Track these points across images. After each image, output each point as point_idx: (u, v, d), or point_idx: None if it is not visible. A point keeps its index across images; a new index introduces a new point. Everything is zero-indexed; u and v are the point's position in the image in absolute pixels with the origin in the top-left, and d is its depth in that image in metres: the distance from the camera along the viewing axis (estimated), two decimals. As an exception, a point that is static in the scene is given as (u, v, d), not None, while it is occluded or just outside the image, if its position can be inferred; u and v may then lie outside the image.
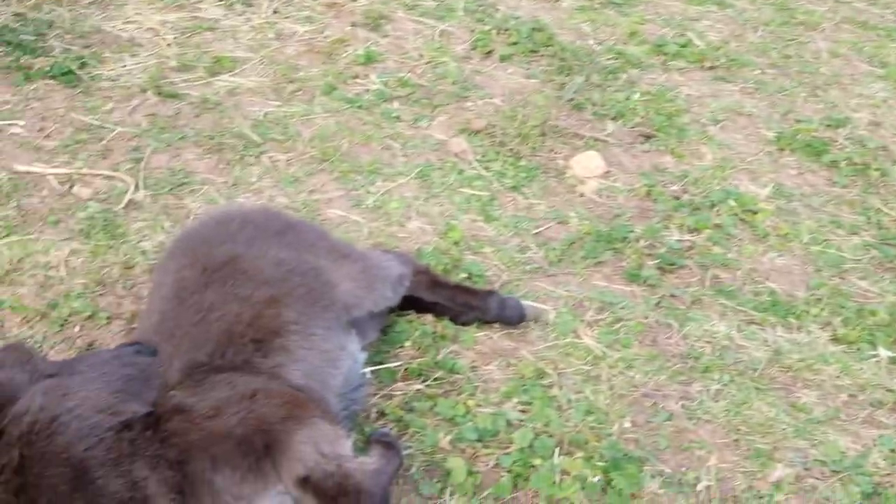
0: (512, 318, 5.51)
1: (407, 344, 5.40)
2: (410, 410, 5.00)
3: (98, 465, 3.68)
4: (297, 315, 4.55)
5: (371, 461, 4.05)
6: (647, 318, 5.80)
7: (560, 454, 4.78)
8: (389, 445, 4.23)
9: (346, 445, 4.01)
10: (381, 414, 4.98)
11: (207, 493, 3.86)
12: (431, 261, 5.89)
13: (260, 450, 3.88)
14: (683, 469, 4.89)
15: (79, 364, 4.22)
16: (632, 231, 6.47)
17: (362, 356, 4.93)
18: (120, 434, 3.79)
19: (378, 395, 5.09)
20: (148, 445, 3.81)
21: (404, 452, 4.43)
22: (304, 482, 3.85)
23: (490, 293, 5.50)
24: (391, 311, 5.42)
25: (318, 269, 4.89)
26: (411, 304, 5.54)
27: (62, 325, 5.30)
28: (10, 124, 6.63)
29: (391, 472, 4.11)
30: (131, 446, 3.78)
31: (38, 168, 6.30)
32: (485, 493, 4.62)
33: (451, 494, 4.60)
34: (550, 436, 4.86)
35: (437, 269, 5.84)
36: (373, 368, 5.20)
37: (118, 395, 4.00)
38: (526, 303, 5.59)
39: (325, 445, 3.89)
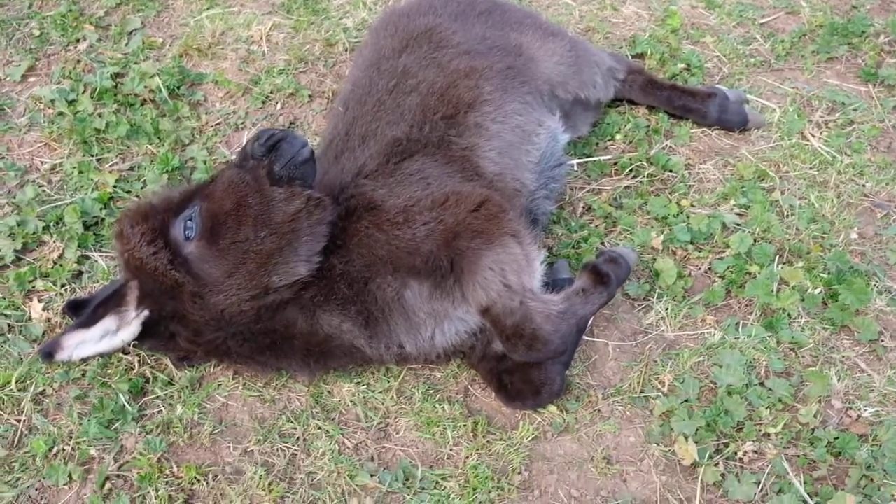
0: (733, 123, 5.08)
1: (618, 137, 5.07)
2: (619, 207, 4.73)
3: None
4: (493, 88, 4.30)
5: (558, 301, 3.81)
6: (882, 122, 5.26)
7: (780, 263, 4.43)
8: (599, 277, 3.96)
9: (534, 274, 3.80)
10: (588, 209, 4.73)
11: (399, 310, 3.76)
12: (647, 49, 5.47)
13: (446, 267, 3.72)
14: (915, 287, 4.48)
15: None
16: (871, 25, 5.82)
17: (564, 137, 4.63)
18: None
19: (586, 190, 4.83)
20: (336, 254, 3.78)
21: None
22: (486, 311, 3.69)
23: (711, 95, 5.06)
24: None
25: (521, 46, 4.60)
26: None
27: (264, 102, 5.20)
28: None
29: (582, 314, 3.88)
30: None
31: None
32: (695, 298, 4.35)
33: (660, 297, 4.36)
34: (770, 242, 4.50)
35: (653, 58, 5.41)
36: (581, 161, 4.94)
37: None
38: (750, 110, 5.11)
39: (511, 275, 3.68)
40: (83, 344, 3.70)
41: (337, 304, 3.68)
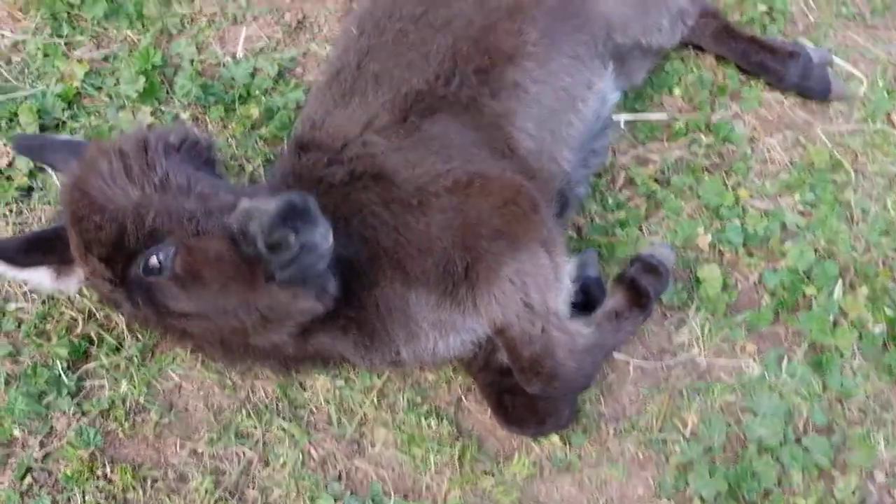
0: (813, 91, 4.30)
1: (676, 91, 4.32)
2: (666, 184, 4.04)
3: None
4: (539, 34, 3.54)
5: (586, 333, 3.23)
6: None
7: (842, 287, 3.79)
8: (637, 296, 3.41)
9: (562, 292, 3.21)
10: (630, 181, 4.05)
11: (400, 318, 3.15)
12: (725, -16, 4.61)
13: (460, 272, 3.10)
14: None
15: None
16: None
17: (614, 97, 3.92)
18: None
19: (629, 155, 4.12)
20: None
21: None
22: (501, 332, 3.11)
23: (793, 55, 4.25)
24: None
25: None
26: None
27: (271, -10, 4.40)
28: None
29: (612, 345, 3.35)
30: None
31: None
32: (738, 318, 3.74)
33: (697, 310, 3.74)
34: (833, 259, 3.85)
35: (730, -4, 4.58)
36: (628, 118, 4.20)
37: None
38: (833, 76, 4.32)
39: (535, 291, 3.09)
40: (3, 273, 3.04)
41: (337, 326, 3.08)
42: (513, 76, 3.45)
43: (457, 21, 3.51)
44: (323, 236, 2.65)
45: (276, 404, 3.42)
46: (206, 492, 3.20)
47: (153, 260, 2.67)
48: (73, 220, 2.76)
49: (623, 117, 4.18)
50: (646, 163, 4.10)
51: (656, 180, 4.03)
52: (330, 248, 2.71)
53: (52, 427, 3.29)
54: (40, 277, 2.96)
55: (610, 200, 3.95)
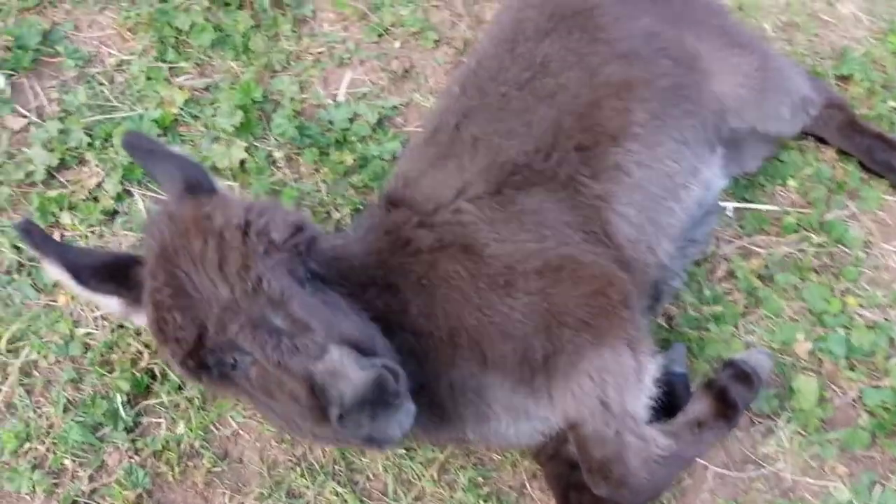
0: (944, 200, 4.03)
1: (791, 183, 4.08)
2: (770, 282, 3.80)
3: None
4: (647, 116, 3.37)
5: (664, 443, 3.03)
6: None
7: (949, 417, 3.52)
8: (724, 406, 3.21)
9: (642, 395, 3.03)
10: (730, 274, 3.82)
11: (473, 401, 3.00)
12: (855, 71, 4.36)
13: (539, 361, 2.95)
14: None
15: None
16: None
17: (721, 183, 3.73)
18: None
19: (734, 245, 3.90)
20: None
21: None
22: (573, 427, 2.95)
23: (926, 156, 4.00)
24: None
25: (697, 56, 3.59)
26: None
27: (380, 35, 4.32)
28: None
29: (690, 457, 3.15)
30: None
31: None
32: (831, 435, 3.48)
33: (788, 421, 3.49)
34: (943, 383, 3.57)
35: (861, 85, 4.33)
36: (737, 205, 3.98)
37: None
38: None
39: (613, 391, 2.92)
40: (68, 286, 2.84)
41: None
42: (615, 157, 3.29)
43: (562, 93, 3.36)
44: (400, 425, 2.47)
45: (333, 466, 3.29)
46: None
47: (229, 358, 2.53)
48: (153, 299, 2.56)
49: (731, 205, 3.97)
50: (750, 256, 3.88)
51: (759, 276, 3.81)
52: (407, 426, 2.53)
53: (103, 461, 3.20)
54: (110, 305, 2.82)
55: (707, 292, 3.74)
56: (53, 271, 2.70)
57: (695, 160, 3.52)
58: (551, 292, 2.98)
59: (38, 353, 3.35)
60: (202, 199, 2.69)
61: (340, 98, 4.09)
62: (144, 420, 3.29)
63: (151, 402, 3.32)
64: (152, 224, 2.71)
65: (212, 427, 3.31)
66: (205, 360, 2.51)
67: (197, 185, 2.76)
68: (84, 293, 2.75)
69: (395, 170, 3.50)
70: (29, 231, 2.68)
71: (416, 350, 2.92)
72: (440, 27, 4.33)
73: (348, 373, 2.36)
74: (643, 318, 3.26)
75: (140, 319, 2.77)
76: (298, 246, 2.62)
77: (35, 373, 3.34)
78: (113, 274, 2.73)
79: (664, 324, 3.65)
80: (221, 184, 2.94)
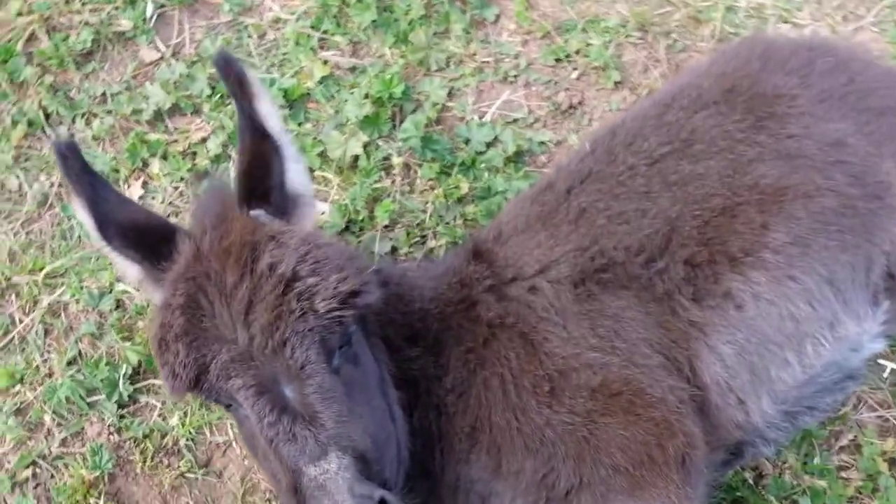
0: None
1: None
2: (900, 474, 3.11)
3: None
4: (789, 240, 2.73)
5: None
6: None
7: None
8: None
9: None
10: (855, 447, 3.16)
11: (475, 500, 2.64)
12: None
13: (559, 491, 2.54)
14: None
15: None
16: None
17: (874, 348, 3.00)
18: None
19: (874, 415, 3.21)
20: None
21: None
22: None
23: None
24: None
25: (888, 187, 2.89)
26: None
27: (558, 60, 3.85)
28: None
29: None
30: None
31: None
32: None
33: None
34: None
35: None
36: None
37: None
38: None
39: None
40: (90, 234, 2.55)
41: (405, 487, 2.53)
42: (729, 284, 2.71)
43: (694, 185, 2.81)
44: None
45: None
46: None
47: (224, 401, 2.27)
48: (163, 317, 2.28)
49: (891, 366, 3.26)
50: (889, 433, 3.18)
51: (890, 461, 3.11)
52: None
53: (82, 429, 3.03)
54: (127, 269, 2.51)
55: (817, 459, 3.10)
56: (80, 213, 2.43)
57: (840, 308, 2.85)
58: (599, 420, 2.54)
59: (72, 295, 3.20)
60: (262, 218, 2.38)
61: (488, 117, 3.68)
62: (141, 400, 3.08)
63: (155, 382, 3.10)
64: (201, 214, 2.43)
65: (205, 429, 3.05)
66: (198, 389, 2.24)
67: (270, 189, 2.42)
68: (104, 248, 2.46)
69: (496, 218, 3.08)
70: (66, 156, 2.36)
71: (434, 431, 2.60)
72: (629, 68, 3.81)
73: (335, 495, 2.08)
74: (706, 477, 2.69)
75: (155, 296, 2.48)
76: (343, 318, 2.26)
77: (61, 315, 3.20)
78: (142, 240, 2.43)
79: (749, 478, 3.05)
80: (309, 193, 2.53)
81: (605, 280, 2.71)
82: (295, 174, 2.49)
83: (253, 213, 2.38)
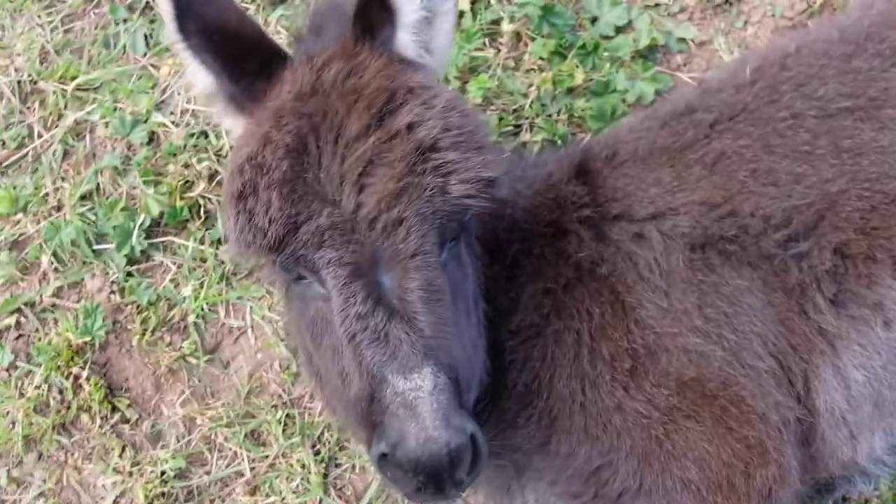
0: None
1: None
2: None
3: None
4: None
5: None
6: None
7: None
8: None
9: None
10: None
11: (511, 467, 2.27)
12: None
13: (610, 488, 2.18)
14: None
15: None
16: None
17: None
18: None
19: None
20: None
21: None
22: None
23: None
24: None
25: None
26: None
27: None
28: None
29: None
30: None
31: None
32: None
33: None
34: None
35: None
36: None
37: None
38: None
39: None
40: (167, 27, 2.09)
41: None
42: (884, 292, 2.17)
43: (871, 159, 2.23)
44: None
45: (320, 436, 2.56)
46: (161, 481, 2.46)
47: (298, 271, 1.86)
48: (259, 156, 1.82)
49: None
50: None
51: None
52: None
53: (82, 280, 2.65)
54: (201, 80, 1.97)
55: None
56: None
57: None
58: (681, 423, 2.13)
59: (102, 116, 2.76)
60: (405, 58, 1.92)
61: (629, -6, 3.06)
62: (155, 258, 2.67)
63: (175, 241, 2.69)
64: (315, 35, 1.95)
65: (220, 308, 2.64)
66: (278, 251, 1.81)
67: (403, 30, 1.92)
68: (178, 45, 1.93)
69: (611, 130, 2.54)
70: None
71: (486, 383, 2.12)
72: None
73: (426, 420, 1.72)
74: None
75: (227, 124, 2.03)
76: (469, 208, 1.84)
77: (86, 138, 2.76)
78: (228, 47, 1.92)
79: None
80: (443, 56, 2.02)
81: (729, 251, 2.19)
82: (441, 24, 1.99)
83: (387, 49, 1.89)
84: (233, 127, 2.00)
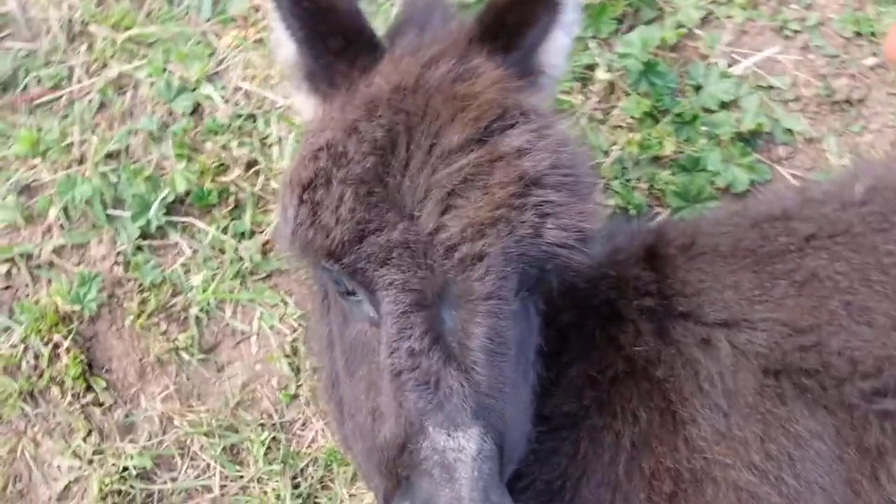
0: None
1: None
2: None
3: None
4: None
5: None
6: None
7: None
8: None
9: None
10: None
11: None
12: None
13: None
14: None
15: None
16: None
17: None
18: None
19: None
20: None
21: None
22: None
23: None
24: None
25: None
26: None
27: (858, 34, 2.89)
28: None
29: None
30: None
31: None
32: None
33: None
34: None
35: None
36: None
37: None
38: None
39: None
40: None
41: None
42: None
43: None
44: None
45: (305, 467, 2.31)
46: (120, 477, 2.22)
47: (348, 285, 1.67)
48: (340, 145, 1.63)
49: None
50: None
51: None
52: None
53: (87, 243, 2.44)
54: (283, 43, 1.80)
55: None
56: None
57: None
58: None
59: (149, 75, 2.53)
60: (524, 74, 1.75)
61: (738, 69, 2.78)
62: (170, 237, 2.43)
63: (196, 224, 2.44)
64: (420, 30, 1.78)
65: (227, 307, 2.39)
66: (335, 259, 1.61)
67: (519, 44, 1.77)
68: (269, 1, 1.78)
69: (692, 217, 2.34)
70: None
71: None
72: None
73: (462, 489, 1.51)
74: None
75: (298, 103, 1.86)
76: (557, 258, 1.64)
77: (127, 94, 2.53)
78: (317, 17, 1.73)
79: None
80: (555, 80, 1.86)
81: (806, 386, 1.90)
82: (558, 45, 1.80)
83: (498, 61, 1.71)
84: (303, 106, 1.84)
